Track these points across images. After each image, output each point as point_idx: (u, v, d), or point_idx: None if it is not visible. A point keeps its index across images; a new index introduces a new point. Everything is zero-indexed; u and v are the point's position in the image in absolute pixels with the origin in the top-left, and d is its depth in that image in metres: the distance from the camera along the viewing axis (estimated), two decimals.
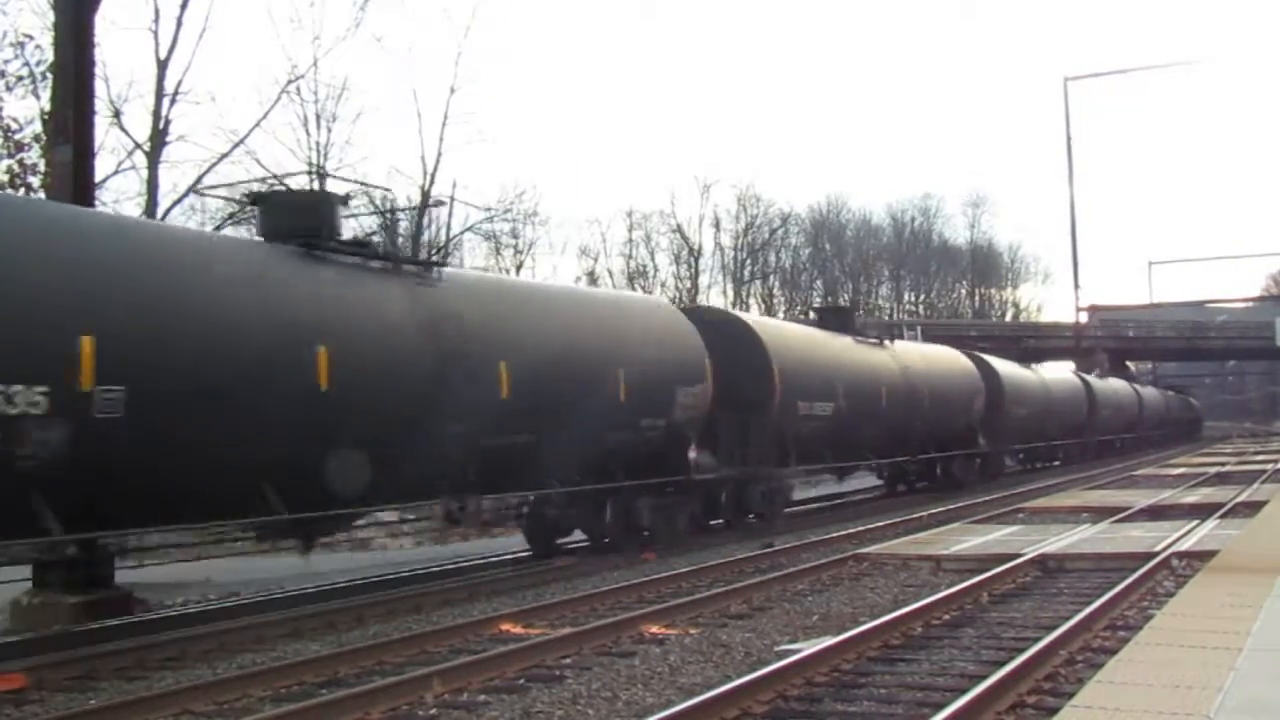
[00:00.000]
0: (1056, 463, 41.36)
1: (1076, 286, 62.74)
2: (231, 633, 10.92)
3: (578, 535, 17.53)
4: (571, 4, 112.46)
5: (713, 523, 19.83)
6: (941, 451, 29.01)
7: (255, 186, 31.38)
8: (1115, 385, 51.50)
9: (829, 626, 10.52)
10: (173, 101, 27.31)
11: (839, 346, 24.14)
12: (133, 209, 27.20)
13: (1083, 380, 44.06)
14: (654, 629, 10.53)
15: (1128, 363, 69.93)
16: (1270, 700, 6.17)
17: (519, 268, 50.19)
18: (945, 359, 30.18)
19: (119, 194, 27.48)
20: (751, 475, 19.84)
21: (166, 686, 8.81)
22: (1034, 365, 38.48)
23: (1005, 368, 33.71)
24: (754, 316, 24.29)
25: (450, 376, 12.99)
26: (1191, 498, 23.40)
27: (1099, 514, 19.79)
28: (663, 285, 61.64)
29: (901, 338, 31.34)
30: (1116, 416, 48.53)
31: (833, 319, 26.23)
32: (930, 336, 36.87)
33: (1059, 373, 42.32)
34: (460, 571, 15.80)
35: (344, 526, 14.44)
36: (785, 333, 23.30)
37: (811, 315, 25.36)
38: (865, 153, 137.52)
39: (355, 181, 29.22)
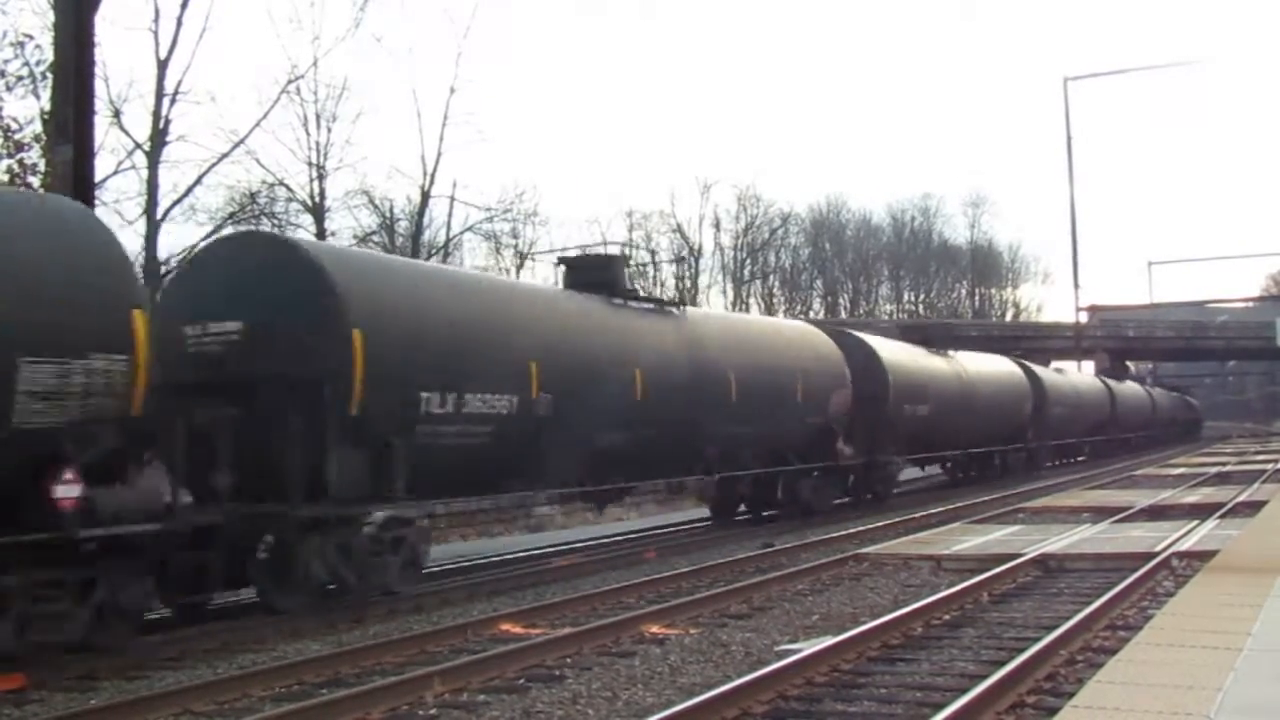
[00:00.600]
0: (991, 471, 33.56)
1: (1076, 286, 62.95)
2: (232, 633, 10.92)
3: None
4: (571, 4, 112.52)
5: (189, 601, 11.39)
6: (772, 466, 20.60)
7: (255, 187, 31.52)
8: (1075, 379, 46.39)
9: (829, 626, 10.52)
10: (173, 101, 27.34)
11: (566, 312, 15.98)
12: (133, 209, 27.22)
13: (1026, 370, 36.68)
14: (654, 629, 10.53)
15: (1128, 362, 69.91)
16: (1270, 700, 6.17)
17: (519, 268, 50.12)
18: (778, 336, 21.86)
19: (119, 194, 27.41)
20: (257, 519, 11.42)
21: (166, 686, 8.82)
22: (951, 352, 30.82)
23: (891, 350, 25.75)
24: (333, 247, 15.71)
25: None
26: (1192, 498, 23.41)
27: (1099, 514, 19.79)
28: (662, 285, 61.55)
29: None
30: (1075, 415, 41.59)
31: (587, 274, 17.61)
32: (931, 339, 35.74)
33: (990, 362, 34.06)
34: (461, 571, 15.76)
35: None
36: (396, 276, 13.88)
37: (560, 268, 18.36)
38: (865, 153, 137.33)
39: None
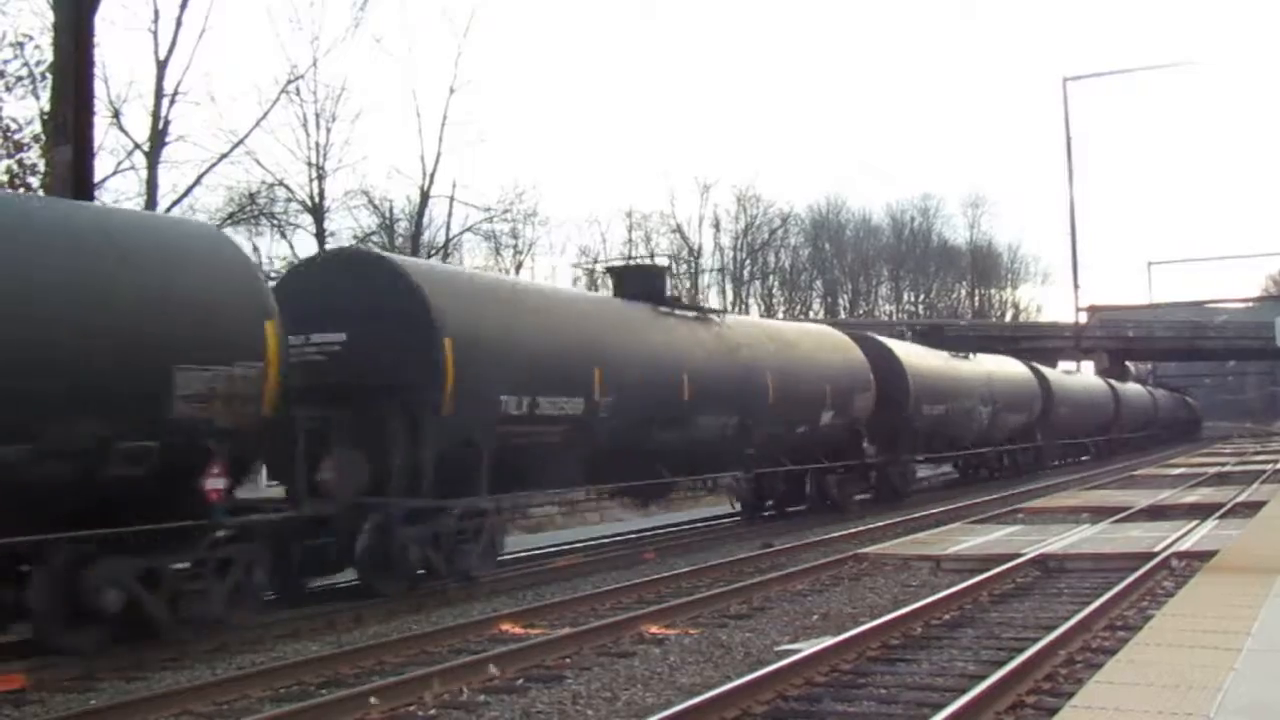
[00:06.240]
0: (1001, 470, 33.63)
1: (1076, 286, 62.73)
2: (231, 633, 10.91)
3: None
4: (571, 5, 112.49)
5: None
6: (802, 464, 21.42)
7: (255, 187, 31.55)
8: (1081, 380, 45.37)
9: (829, 626, 10.52)
10: (172, 101, 27.33)
11: (622, 321, 16.96)
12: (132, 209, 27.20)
13: (1034, 371, 35.62)
14: (654, 629, 10.53)
15: (1128, 362, 69.92)
16: (1270, 701, 6.17)
17: (519, 268, 50.13)
18: (809, 340, 22.46)
19: (119, 194, 27.43)
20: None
21: (166, 686, 8.82)
22: (964, 354, 30.69)
23: (910, 353, 26.11)
24: (425, 263, 17.99)
25: None
26: (1191, 498, 23.39)
27: (1098, 514, 19.78)
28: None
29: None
30: (1081, 415, 40.85)
31: (634, 283, 18.53)
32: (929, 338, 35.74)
33: (1000, 364, 33.15)
34: None
35: None
36: (480, 291, 15.10)
37: None
38: (865, 153, 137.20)
39: None
